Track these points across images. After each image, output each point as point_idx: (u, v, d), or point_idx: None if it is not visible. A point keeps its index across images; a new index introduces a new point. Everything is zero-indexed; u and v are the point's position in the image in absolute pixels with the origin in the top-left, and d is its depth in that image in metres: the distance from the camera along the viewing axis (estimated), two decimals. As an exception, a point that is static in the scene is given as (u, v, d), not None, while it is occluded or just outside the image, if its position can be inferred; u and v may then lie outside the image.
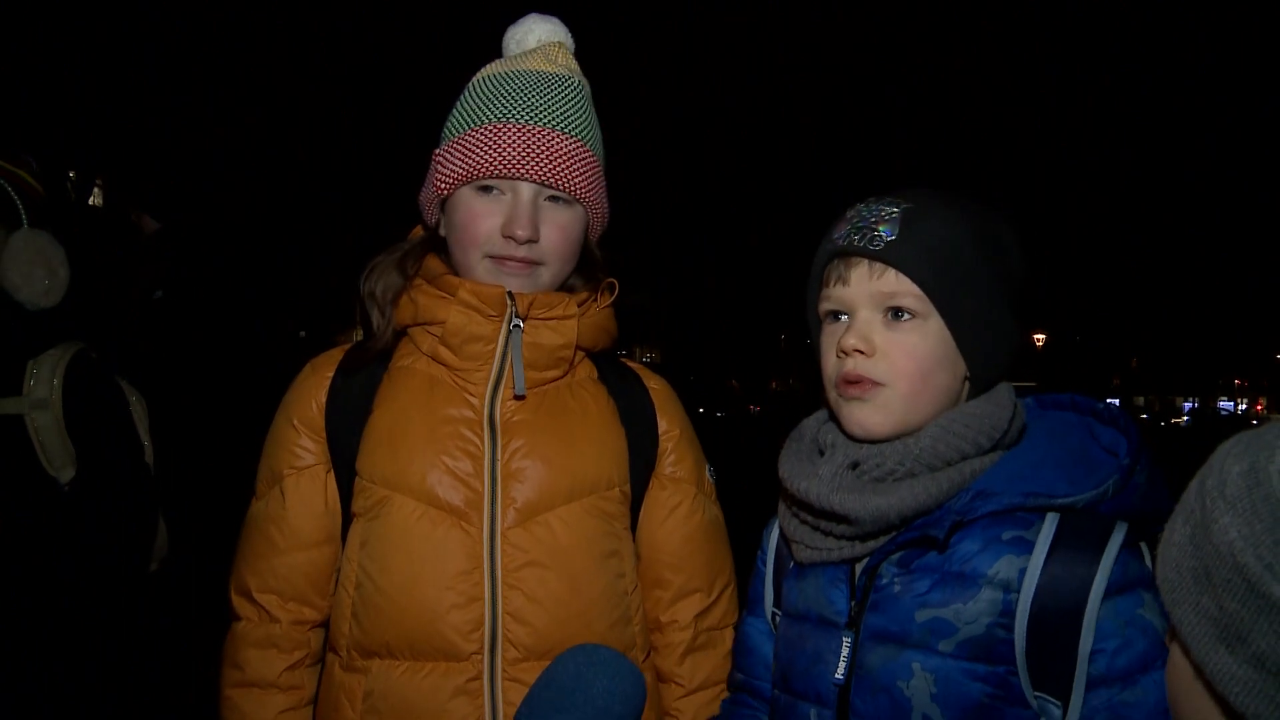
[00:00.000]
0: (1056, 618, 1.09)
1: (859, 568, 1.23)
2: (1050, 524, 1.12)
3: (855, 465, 1.21)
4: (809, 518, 1.24)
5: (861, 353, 1.20)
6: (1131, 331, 37.65)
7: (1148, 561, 1.13)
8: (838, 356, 1.23)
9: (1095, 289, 33.95)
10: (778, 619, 1.38)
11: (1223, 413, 47.12)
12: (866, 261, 1.20)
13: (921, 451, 1.17)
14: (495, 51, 1.61)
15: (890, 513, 1.15)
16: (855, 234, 1.20)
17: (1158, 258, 33.08)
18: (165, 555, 2.29)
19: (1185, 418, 44.45)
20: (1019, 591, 1.10)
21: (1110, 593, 1.08)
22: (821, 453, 1.28)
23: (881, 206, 1.21)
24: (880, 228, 1.19)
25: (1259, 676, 0.76)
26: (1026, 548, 1.12)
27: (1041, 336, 33.96)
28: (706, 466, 1.68)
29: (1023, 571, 1.11)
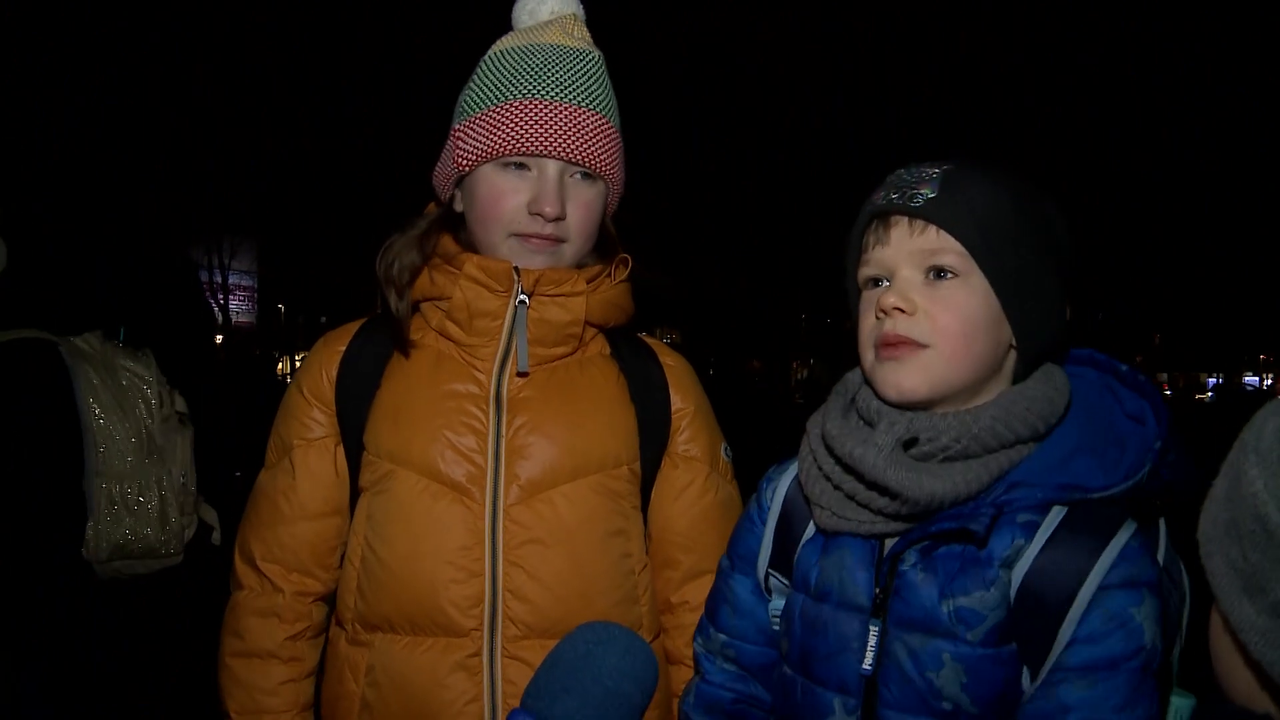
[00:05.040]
0: (1040, 602, 1.07)
1: (886, 547, 1.19)
2: (1058, 509, 1.10)
3: (910, 442, 1.16)
4: (847, 484, 1.18)
5: (902, 311, 1.15)
6: (1155, 307, 37.16)
7: (1160, 553, 1.11)
8: (877, 318, 1.18)
9: (1118, 265, 33.49)
10: (770, 580, 1.33)
11: (1248, 388, 46.53)
12: (906, 220, 1.17)
13: (981, 431, 1.13)
14: (486, 34, 1.58)
15: (945, 496, 1.11)
16: (894, 193, 1.17)
17: (1181, 233, 32.59)
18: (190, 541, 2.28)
19: (1210, 394, 43.92)
20: (1012, 569, 1.09)
21: (1105, 588, 1.06)
22: (862, 418, 1.23)
23: (922, 169, 1.19)
24: (921, 187, 1.16)
25: (1276, 626, 0.76)
26: (1034, 531, 1.10)
27: (1063, 313, 33.60)
28: (722, 445, 1.65)
29: (1021, 551, 1.09)
